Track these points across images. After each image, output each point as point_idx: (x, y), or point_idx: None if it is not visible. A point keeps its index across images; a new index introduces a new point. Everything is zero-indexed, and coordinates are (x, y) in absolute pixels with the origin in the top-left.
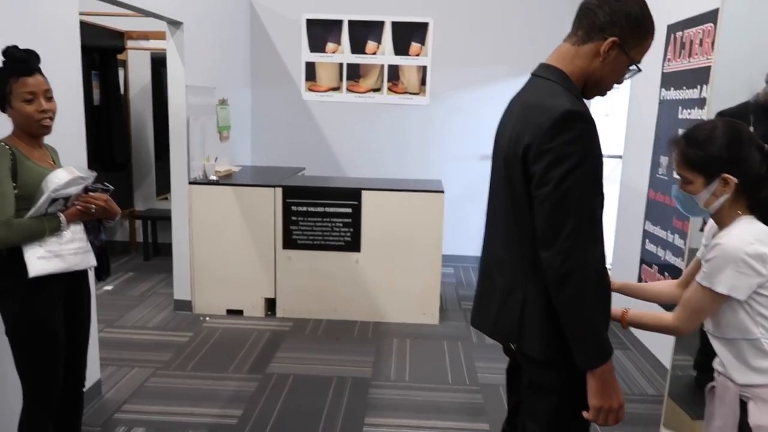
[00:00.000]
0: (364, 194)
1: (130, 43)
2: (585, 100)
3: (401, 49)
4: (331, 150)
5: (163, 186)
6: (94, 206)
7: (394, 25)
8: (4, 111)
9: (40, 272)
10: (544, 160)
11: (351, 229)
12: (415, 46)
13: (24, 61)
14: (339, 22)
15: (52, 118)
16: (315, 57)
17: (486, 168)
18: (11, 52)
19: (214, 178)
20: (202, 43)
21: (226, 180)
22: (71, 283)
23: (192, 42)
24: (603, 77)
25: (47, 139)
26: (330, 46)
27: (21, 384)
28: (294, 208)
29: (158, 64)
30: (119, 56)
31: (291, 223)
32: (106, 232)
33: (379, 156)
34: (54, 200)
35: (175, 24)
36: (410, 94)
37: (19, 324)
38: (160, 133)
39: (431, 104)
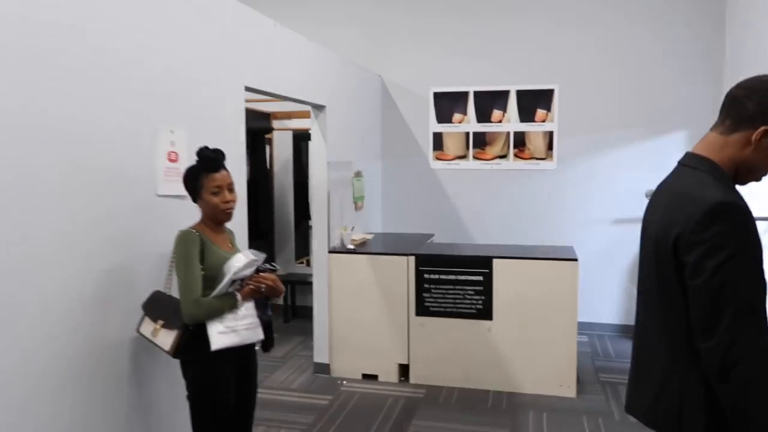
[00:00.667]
0: (496, 262)
1: (275, 123)
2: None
3: (527, 116)
4: (459, 216)
5: (301, 251)
6: (264, 286)
7: (519, 93)
8: (195, 201)
9: (221, 346)
10: (697, 250)
11: (483, 297)
12: (540, 112)
13: (213, 160)
14: (465, 94)
15: (233, 208)
16: (442, 127)
17: (619, 232)
18: (203, 152)
19: (351, 246)
20: (340, 122)
21: (361, 248)
22: (241, 354)
23: (332, 122)
24: (755, 165)
25: None
26: (456, 116)
27: None
28: (426, 275)
29: (299, 140)
30: (266, 135)
31: (423, 290)
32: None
33: (506, 221)
34: (233, 281)
35: (318, 108)
36: (537, 159)
37: (199, 390)
38: (298, 203)
39: (559, 169)
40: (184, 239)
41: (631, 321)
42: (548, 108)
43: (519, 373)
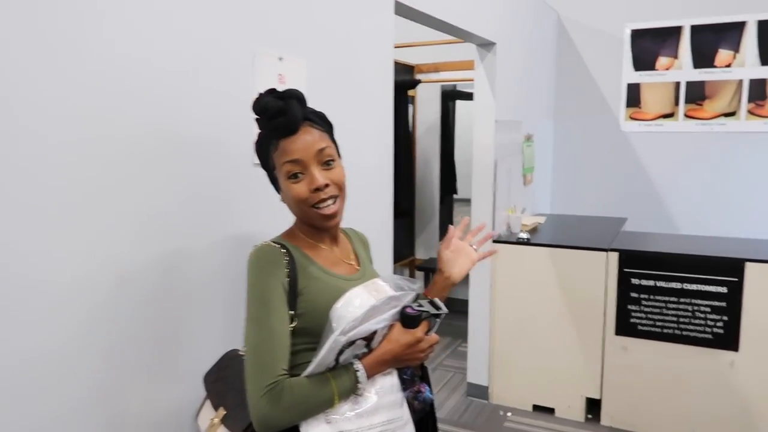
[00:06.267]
0: (749, 267)
1: (419, 77)
2: None
3: None
4: (660, 196)
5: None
6: (427, 353)
7: (762, 24)
8: (279, 193)
9: None
10: None
11: (724, 317)
12: None
13: (281, 113)
14: (677, 30)
15: (336, 198)
16: (640, 76)
17: None
18: (262, 101)
19: (523, 235)
20: (510, 68)
21: (535, 238)
22: None
23: (502, 67)
24: None
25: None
26: (662, 61)
27: None
28: (635, 281)
29: (447, 98)
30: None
31: (630, 301)
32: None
33: (733, 204)
34: (350, 343)
35: (486, 47)
36: None
37: None
38: (444, 174)
39: None
40: (257, 262)
41: None
42: None
43: None
